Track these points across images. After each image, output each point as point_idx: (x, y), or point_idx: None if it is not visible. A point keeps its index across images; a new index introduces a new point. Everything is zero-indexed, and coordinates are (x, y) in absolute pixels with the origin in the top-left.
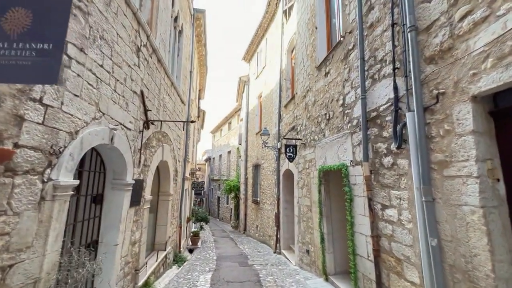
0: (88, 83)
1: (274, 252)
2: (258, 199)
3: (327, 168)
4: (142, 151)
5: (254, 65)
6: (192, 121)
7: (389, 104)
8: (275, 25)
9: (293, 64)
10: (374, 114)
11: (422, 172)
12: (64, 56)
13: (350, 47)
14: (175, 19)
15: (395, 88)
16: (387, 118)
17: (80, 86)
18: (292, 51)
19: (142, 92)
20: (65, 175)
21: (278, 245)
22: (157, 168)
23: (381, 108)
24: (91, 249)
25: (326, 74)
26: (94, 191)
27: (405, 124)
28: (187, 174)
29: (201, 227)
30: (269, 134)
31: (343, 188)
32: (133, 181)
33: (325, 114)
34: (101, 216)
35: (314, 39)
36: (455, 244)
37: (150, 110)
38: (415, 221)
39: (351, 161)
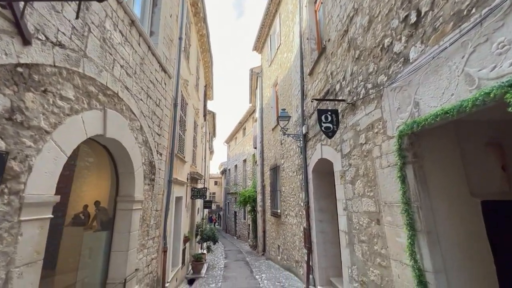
0: None
1: None
2: (279, 210)
3: (424, 122)
4: None
5: (267, 52)
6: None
7: None
8: None
9: (317, 17)
10: None
11: None
12: None
13: None
14: None
15: None
16: None
17: None
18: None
19: None
20: None
21: (311, 276)
22: (111, 156)
23: None
24: None
25: None
26: None
27: None
28: (178, 177)
29: (209, 248)
30: (289, 117)
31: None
32: None
33: (405, 17)
34: None
35: None
36: None
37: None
38: None
39: None
